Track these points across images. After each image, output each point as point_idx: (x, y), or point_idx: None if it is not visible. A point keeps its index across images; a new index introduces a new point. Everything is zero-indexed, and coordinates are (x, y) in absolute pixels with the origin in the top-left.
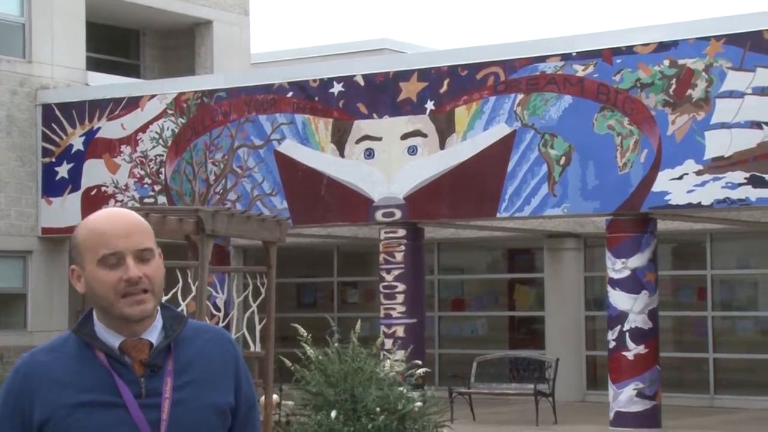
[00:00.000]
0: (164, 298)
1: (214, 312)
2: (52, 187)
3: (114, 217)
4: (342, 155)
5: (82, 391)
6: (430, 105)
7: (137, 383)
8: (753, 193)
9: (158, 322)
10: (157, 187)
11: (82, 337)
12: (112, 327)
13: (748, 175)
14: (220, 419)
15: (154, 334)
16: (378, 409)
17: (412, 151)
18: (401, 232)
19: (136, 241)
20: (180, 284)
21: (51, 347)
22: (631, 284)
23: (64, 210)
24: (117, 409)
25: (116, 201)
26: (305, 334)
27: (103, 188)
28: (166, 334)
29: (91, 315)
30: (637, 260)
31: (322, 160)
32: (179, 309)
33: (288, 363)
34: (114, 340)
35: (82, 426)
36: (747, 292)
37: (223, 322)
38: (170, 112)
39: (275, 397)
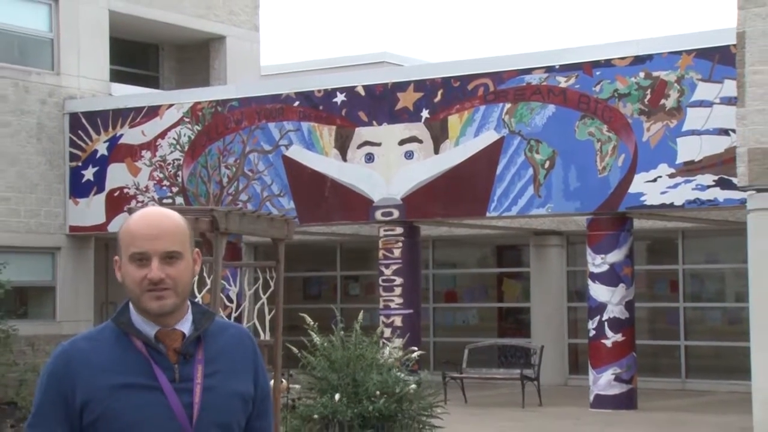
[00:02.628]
0: None
1: (227, 303)
2: (78, 189)
3: (148, 219)
4: (344, 159)
5: (121, 375)
6: (425, 113)
7: (171, 369)
8: (721, 195)
9: (189, 316)
10: (174, 189)
11: (120, 326)
12: (147, 317)
13: (716, 177)
14: (243, 406)
15: (185, 326)
16: (378, 392)
17: (409, 155)
18: (399, 230)
19: (163, 245)
20: (196, 278)
21: (90, 335)
22: (610, 278)
23: (90, 210)
24: (153, 392)
25: (137, 202)
26: (312, 323)
27: (125, 190)
28: (196, 327)
29: (127, 306)
30: (615, 256)
31: (326, 163)
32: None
33: (295, 350)
34: (150, 329)
35: (121, 406)
36: (716, 285)
37: (235, 312)
38: (187, 120)
39: (283, 381)
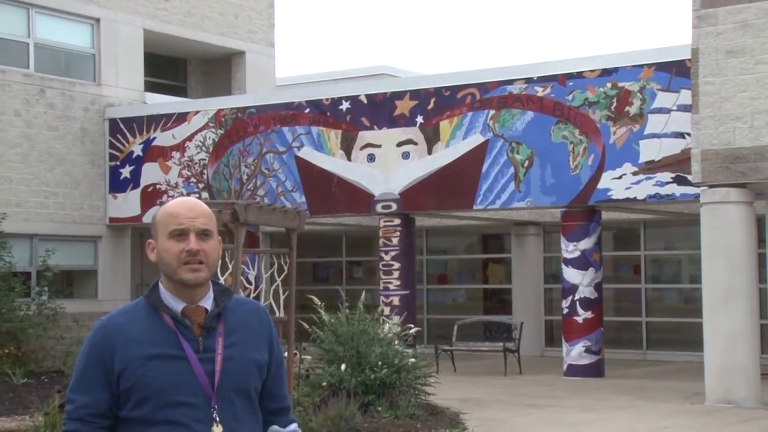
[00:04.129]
0: None
1: (246, 285)
2: (117, 185)
3: (186, 203)
4: (349, 159)
5: (153, 346)
6: (419, 119)
7: (196, 341)
8: (677, 190)
9: (210, 294)
10: (200, 185)
11: (151, 303)
12: (176, 294)
13: (673, 175)
14: (258, 373)
15: (208, 302)
16: (379, 363)
17: (406, 156)
18: (397, 221)
19: (200, 223)
20: (219, 263)
21: (125, 311)
22: (581, 263)
23: (127, 203)
24: (181, 361)
25: (168, 196)
26: (320, 303)
27: (157, 186)
28: (217, 303)
29: (157, 286)
30: (586, 243)
31: (333, 163)
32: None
33: (306, 326)
34: (177, 305)
35: (152, 374)
36: (672, 269)
37: (253, 293)
38: (211, 125)
39: (296, 353)
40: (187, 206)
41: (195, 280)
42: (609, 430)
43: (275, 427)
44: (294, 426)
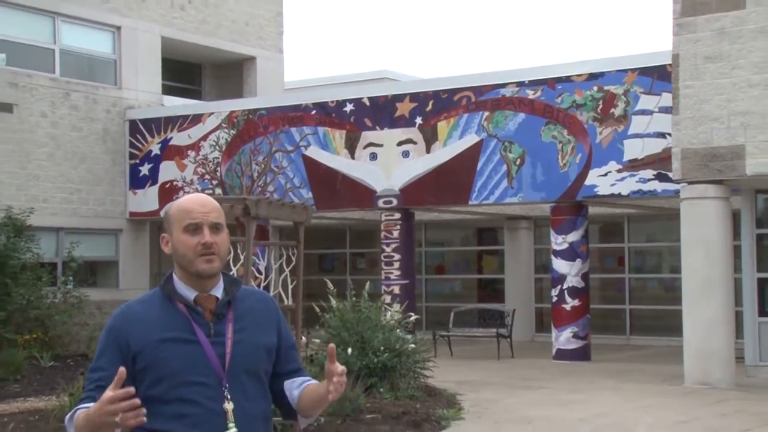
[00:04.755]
0: None
1: (257, 275)
2: (136, 182)
3: (198, 199)
4: (353, 157)
5: (167, 330)
6: (419, 120)
7: (208, 326)
8: (659, 186)
9: (221, 283)
10: (214, 182)
11: (166, 292)
12: (189, 284)
13: (655, 173)
14: (266, 355)
15: (218, 291)
16: (381, 348)
17: (406, 154)
18: (397, 215)
19: (212, 217)
20: (231, 254)
21: (142, 299)
22: (569, 254)
23: (146, 199)
24: (193, 345)
25: (184, 192)
26: (332, 288)
27: (174, 183)
28: (227, 292)
29: (171, 276)
30: (574, 236)
31: (337, 161)
32: (231, 273)
33: (318, 310)
34: (190, 294)
35: (166, 356)
36: (654, 260)
37: (264, 282)
38: (224, 125)
39: (303, 338)
40: (199, 202)
41: (210, 271)
42: (595, 409)
43: (286, 382)
44: (301, 379)
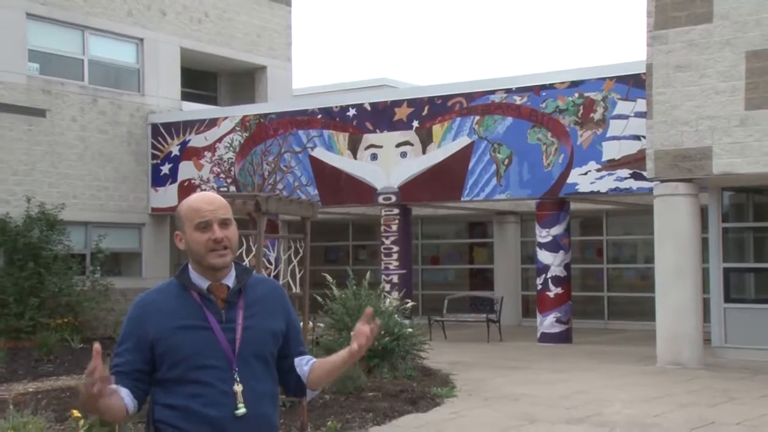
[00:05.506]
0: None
1: (267, 265)
2: (158, 180)
3: (205, 198)
4: (355, 158)
5: (182, 318)
6: (415, 123)
7: (219, 314)
8: (634, 184)
9: (233, 272)
10: (229, 180)
11: (181, 282)
12: (202, 274)
13: (631, 172)
14: (274, 340)
15: (230, 280)
16: (382, 331)
17: (403, 155)
18: (396, 211)
19: (220, 213)
20: (244, 246)
21: (159, 289)
22: (553, 246)
23: (166, 195)
24: (206, 331)
25: (201, 190)
26: (332, 280)
27: (192, 181)
28: (238, 281)
29: (186, 267)
30: (557, 229)
31: (341, 161)
32: (244, 263)
33: (320, 300)
34: (203, 283)
35: (181, 341)
36: (630, 251)
37: (273, 272)
38: (238, 129)
39: (310, 323)
40: (206, 200)
41: (222, 264)
42: (576, 387)
43: (296, 359)
44: (308, 357)
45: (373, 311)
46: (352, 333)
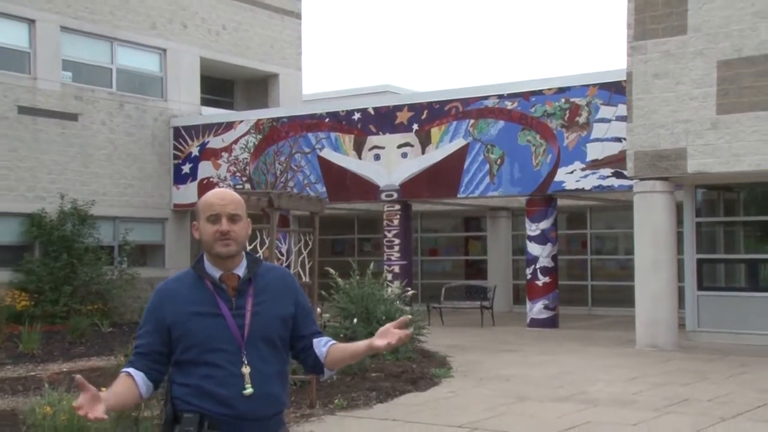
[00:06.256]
0: (248, 248)
1: (279, 256)
2: (179, 179)
3: (219, 193)
4: (360, 158)
5: (196, 305)
6: (415, 126)
7: (230, 301)
8: (616, 182)
9: (244, 262)
10: (244, 179)
11: (197, 272)
12: (215, 264)
13: (613, 171)
14: (283, 324)
15: (241, 270)
16: (384, 317)
17: (404, 155)
18: (397, 207)
19: (230, 209)
20: (258, 239)
21: (176, 278)
22: (541, 239)
23: (187, 193)
24: (217, 317)
25: (219, 187)
26: (335, 273)
27: (210, 179)
28: (248, 270)
29: (202, 257)
30: (545, 224)
31: (347, 161)
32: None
33: (325, 294)
34: (216, 273)
35: (195, 327)
36: (612, 244)
37: (285, 263)
38: (252, 131)
39: (318, 310)
40: (219, 196)
41: (226, 252)
42: (562, 368)
43: (314, 340)
44: (326, 338)
45: (410, 320)
46: (380, 329)
